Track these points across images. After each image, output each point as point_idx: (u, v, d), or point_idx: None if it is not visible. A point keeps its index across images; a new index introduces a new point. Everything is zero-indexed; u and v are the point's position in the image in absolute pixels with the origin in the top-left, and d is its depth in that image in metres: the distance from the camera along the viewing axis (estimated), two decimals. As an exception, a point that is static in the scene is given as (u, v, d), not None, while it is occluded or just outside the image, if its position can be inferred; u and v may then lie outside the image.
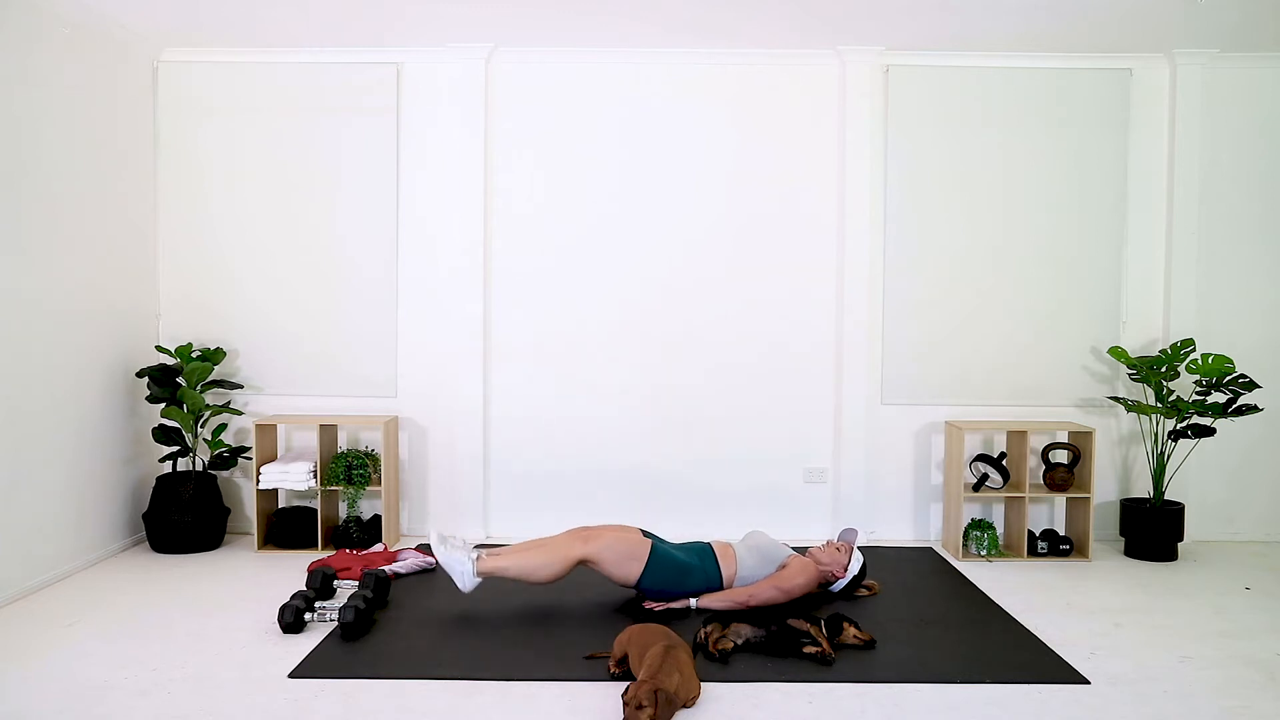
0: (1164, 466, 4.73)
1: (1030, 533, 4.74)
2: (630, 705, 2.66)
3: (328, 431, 4.86)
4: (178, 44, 4.90)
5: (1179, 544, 4.75)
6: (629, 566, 3.72)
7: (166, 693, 2.98)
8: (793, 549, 4.04)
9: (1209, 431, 4.65)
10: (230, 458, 4.81)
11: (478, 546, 3.87)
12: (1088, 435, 4.68)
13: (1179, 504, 4.73)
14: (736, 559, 3.87)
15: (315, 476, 4.74)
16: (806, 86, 4.97)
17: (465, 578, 3.68)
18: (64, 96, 4.22)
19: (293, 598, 3.59)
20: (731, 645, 3.28)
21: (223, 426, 4.88)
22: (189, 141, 4.98)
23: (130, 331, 4.77)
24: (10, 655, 3.28)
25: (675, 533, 4.98)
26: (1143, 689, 3.07)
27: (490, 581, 4.18)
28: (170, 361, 4.97)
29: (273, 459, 4.88)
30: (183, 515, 4.59)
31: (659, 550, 3.77)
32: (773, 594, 3.74)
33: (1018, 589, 4.16)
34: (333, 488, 4.75)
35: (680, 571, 3.76)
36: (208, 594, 4.00)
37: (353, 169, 4.98)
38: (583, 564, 3.73)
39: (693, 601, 3.79)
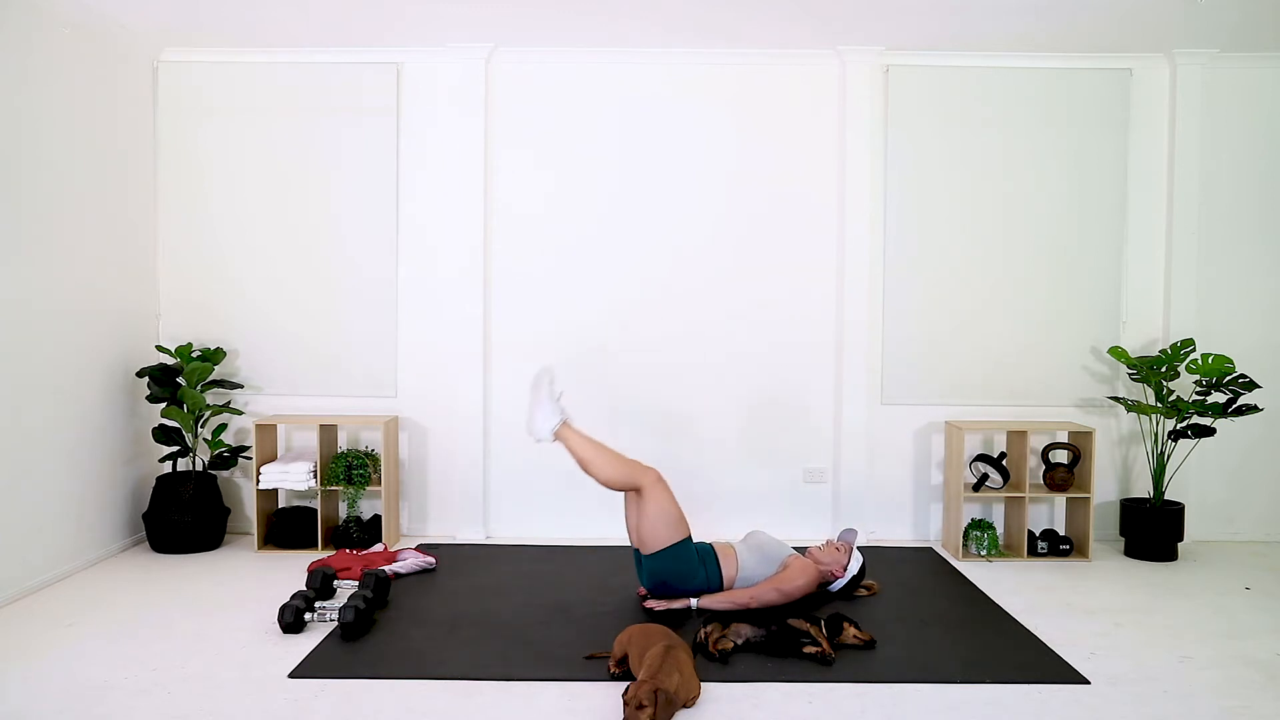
0: (1164, 466, 4.73)
1: (1030, 533, 4.74)
2: (630, 705, 2.66)
3: (328, 431, 4.86)
4: (178, 44, 4.90)
5: (1179, 544, 4.75)
6: (663, 533, 3.72)
7: (166, 693, 2.98)
8: (794, 549, 4.04)
9: (1209, 431, 4.65)
10: (230, 458, 4.81)
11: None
12: (1088, 435, 4.68)
13: (1179, 504, 4.73)
14: (738, 559, 3.87)
15: (315, 476, 4.74)
16: (806, 86, 4.97)
17: (543, 427, 3.76)
18: (64, 97, 4.22)
19: (293, 598, 3.59)
20: (731, 645, 3.29)
21: (223, 426, 4.88)
22: (189, 141, 4.98)
23: (130, 331, 4.77)
24: (10, 655, 3.28)
25: (675, 533, 4.98)
26: (1143, 689, 3.07)
27: (488, 577, 4.19)
28: (170, 361, 4.97)
29: (273, 459, 4.88)
30: (183, 515, 4.59)
31: (689, 544, 3.79)
32: (774, 595, 3.74)
33: (1018, 589, 4.16)
34: (333, 488, 4.75)
35: (689, 570, 3.77)
36: (208, 594, 4.00)
37: (353, 169, 4.98)
38: (633, 493, 3.77)
39: (693, 602, 3.79)
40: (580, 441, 3.81)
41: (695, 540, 4.18)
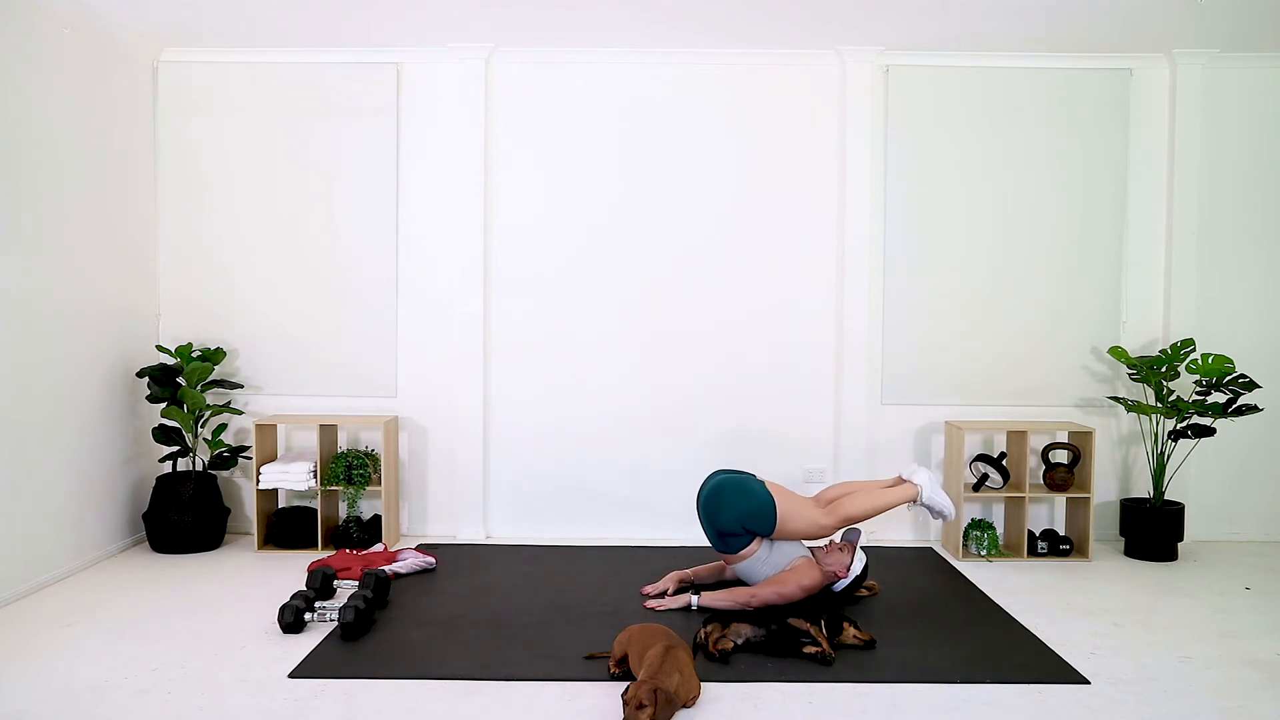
0: (1164, 466, 4.73)
1: (1030, 533, 4.74)
2: (630, 705, 2.66)
3: (328, 431, 4.86)
4: (177, 44, 4.90)
5: (1179, 544, 4.75)
6: (790, 510, 3.84)
7: (166, 693, 2.98)
8: (807, 548, 4.04)
9: (1209, 431, 4.65)
10: (230, 458, 4.81)
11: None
12: (1088, 435, 4.68)
13: (1179, 504, 4.73)
14: (758, 546, 3.88)
15: (315, 476, 4.74)
16: (807, 86, 4.97)
17: (945, 504, 4.00)
18: (63, 97, 4.22)
19: (293, 598, 3.59)
20: (731, 645, 3.29)
21: (223, 426, 4.88)
22: (189, 141, 4.98)
23: (130, 331, 4.77)
24: (10, 655, 3.28)
25: (676, 533, 4.98)
26: (1143, 689, 3.07)
27: (488, 577, 4.20)
28: (170, 361, 4.97)
29: (273, 459, 4.88)
30: (183, 515, 4.59)
31: (772, 518, 3.84)
32: (774, 595, 3.73)
33: (1018, 589, 4.16)
34: (333, 488, 4.75)
35: (746, 523, 3.83)
36: (208, 594, 4.00)
37: (353, 169, 4.98)
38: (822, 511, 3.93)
39: (693, 601, 3.79)
40: (895, 501, 3.97)
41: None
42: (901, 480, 4.06)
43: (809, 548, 4.05)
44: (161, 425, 4.78)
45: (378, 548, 4.58)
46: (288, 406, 5.05)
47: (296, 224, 5.00)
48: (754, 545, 3.86)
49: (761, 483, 3.91)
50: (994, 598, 4.03)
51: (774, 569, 3.85)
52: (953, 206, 4.98)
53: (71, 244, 4.29)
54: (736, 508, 3.81)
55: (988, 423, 4.83)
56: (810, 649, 3.25)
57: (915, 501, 4.00)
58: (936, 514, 4.03)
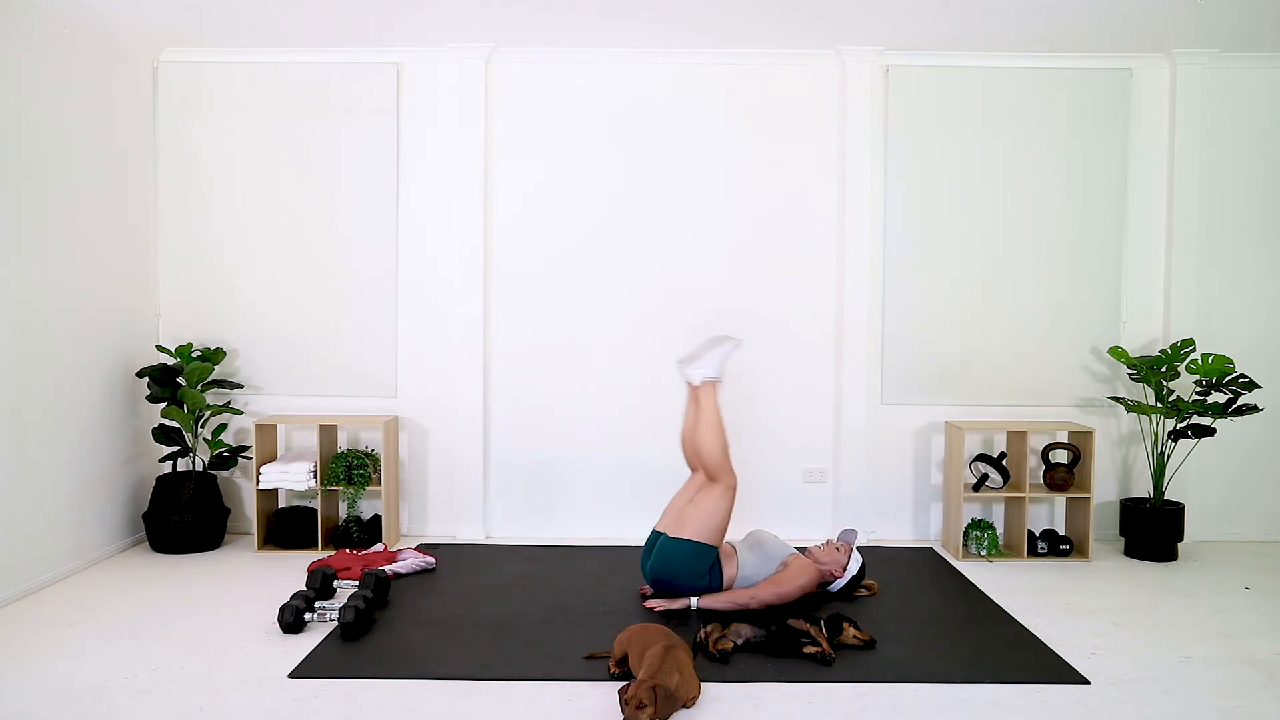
0: (1164, 466, 4.73)
1: (1030, 533, 4.74)
2: (630, 704, 2.66)
3: (328, 431, 4.86)
4: (178, 44, 4.90)
5: (1179, 544, 4.75)
6: (701, 526, 3.77)
7: (166, 693, 2.98)
8: (795, 548, 4.04)
9: (1209, 431, 4.65)
10: (230, 458, 4.81)
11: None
12: (1088, 435, 4.68)
13: (1179, 504, 4.73)
14: (738, 560, 3.87)
15: (315, 476, 4.74)
16: (807, 86, 4.97)
17: (701, 371, 3.91)
18: (63, 97, 4.22)
19: (293, 598, 3.59)
20: (731, 645, 3.29)
21: (223, 426, 4.88)
22: (189, 141, 4.98)
23: (130, 331, 4.77)
24: (10, 655, 3.28)
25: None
26: (1143, 689, 3.07)
27: (488, 577, 4.19)
28: (170, 361, 4.98)
29: (273, 459, 4.88)
30: (183, 515, 4.59)
31: (711, 554, 3.79)
32: (772, 595, 3.74)
33: (1018, 589, 4.16)
34: (333, 488, 4.76)
35: (697, 574, 3.77)
36: (208, 594, 4.00)
37: (352, 169, 4.98)
38: (707, 479, 3.89)
39: (693, 601, 3.79)
40: (715, 405, 3.91)
41: None
42: (695, 387, 3.97)
43: (802, 547, 4.05)
44: (161, 425, 4.78)
45: (378, 548, 4.59)
46: (288, 406, 5.05)
47: (296, 224, 5.00)
48: (730, 569, 3.85)
49: (662, 534, 3.85)
50: (994, 598, 4.03)
51: (769, 572, 3.85)
52: (953, 206, 4.98)
53: (71, 244, 4.29)
54: (678, 573, 3.77)
55: (988, 423, 4.83)
56: (810, 649, 3.25)
57: (719, 381, 3.99)
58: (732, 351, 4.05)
